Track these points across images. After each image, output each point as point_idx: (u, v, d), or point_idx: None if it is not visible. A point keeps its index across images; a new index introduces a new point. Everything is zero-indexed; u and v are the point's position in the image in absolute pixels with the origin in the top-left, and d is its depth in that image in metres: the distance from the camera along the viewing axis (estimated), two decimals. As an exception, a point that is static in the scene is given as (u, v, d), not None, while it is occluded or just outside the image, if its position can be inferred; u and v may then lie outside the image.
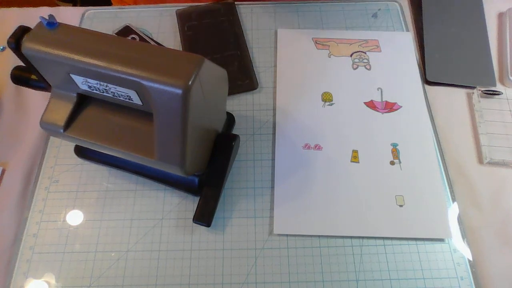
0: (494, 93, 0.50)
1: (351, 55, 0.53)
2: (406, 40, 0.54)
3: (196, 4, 0.58)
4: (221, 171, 0.42)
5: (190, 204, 0.45)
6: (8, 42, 0.32)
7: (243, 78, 0.52)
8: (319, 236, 0.42)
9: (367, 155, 0.46)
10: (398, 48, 0.54)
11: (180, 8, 0.58)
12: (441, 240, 0.42)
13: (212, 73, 0.34)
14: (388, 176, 0.45)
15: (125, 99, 0.34)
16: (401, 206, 0.43)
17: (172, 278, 0.41)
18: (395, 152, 0.46)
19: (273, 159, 0.47)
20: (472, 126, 0.49)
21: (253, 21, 0.58)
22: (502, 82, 0.52)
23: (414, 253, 0.41)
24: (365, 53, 0.53)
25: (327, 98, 0.50)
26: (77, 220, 0.44)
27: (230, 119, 0.48)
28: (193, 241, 0.43)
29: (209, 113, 0.38)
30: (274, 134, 0.48)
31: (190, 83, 0.30)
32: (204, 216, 0.41)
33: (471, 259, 0.41)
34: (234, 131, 0.48)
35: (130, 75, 0.31)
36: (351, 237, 0.42)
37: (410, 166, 0.45)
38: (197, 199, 0.43)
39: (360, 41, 0.54)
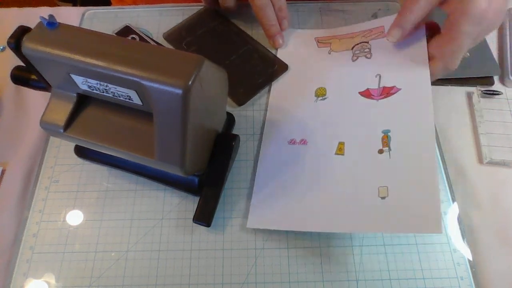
0: (494, 93, 0.50)
1: (352, 48, 0.51)
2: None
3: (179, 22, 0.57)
4: (221, 171, 0.42)
5: (190, 204, 0.45)
6: (8, 42, 0.32)
7: (271, 65, 0.53)
8: (294, 232, 0.42)
9: (354, 146, 0.44)
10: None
11: (167, 31, 0.57)
12: (431, 235, 0.41)
13: (212, 73, 0.34)
14: (373, 166, 0.42)
15: (125, 99, 0.34)
16: (383, 198, 0.39)
17: (172, 278, 0.41)
18: (386, 140, 0.43)
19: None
20: (472, 126, 0.49)
21: (246, 22, 0.57)
22: (502, 82, 0.52)
23: (414, 253, 0.41)
24: (368, 42, 0.51)
25: (320, 93, 0.49)
26: (77, 220, 0.44)
27: (230, 119, 0.48)
28: (193, 241, 0.43)
29: (209, 113, 0.38)
30: (261, 133, 0.48)
31: (190, 83, 0.30)
32: (204, 216, 0.41)
33: (471, 259, 0.41)
34: (234, 131, 0.48)
35: (130, 75, 0.31)
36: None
37: (401, 154, 0.41)
38: (197, 199, 0.43)
39: (364, 31, 0.52)
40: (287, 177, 0.44)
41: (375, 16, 0.57)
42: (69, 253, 0.42)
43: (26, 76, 0.39)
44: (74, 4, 1.39)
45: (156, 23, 0.58)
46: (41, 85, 0.38)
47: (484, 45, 0.53)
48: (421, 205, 0.38)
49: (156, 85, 0.30)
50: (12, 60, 0.54)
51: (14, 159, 0.48)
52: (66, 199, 0.45)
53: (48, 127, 0.38)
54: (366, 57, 0.49)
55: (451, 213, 0.43)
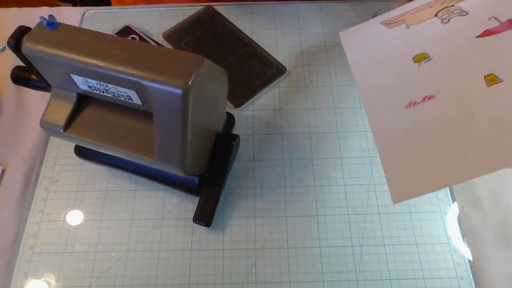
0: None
1: (435, 15, 0.44)
2: None
3: (179, 22, 0.57)
4: (221, 171, 0.42)
5: (190, 204, 0.45)
6: (8, 42, 0.32)
7: (269, 67, 0.53)
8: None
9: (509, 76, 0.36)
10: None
11: (167, 30, 0.57)
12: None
13: (212, 73, 0.34)
14: None
15: (125, 99, 0.34)
16: None
17: (172, 278, 0.41)
18: None
19: (278, 159, 0.47)
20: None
21: (246, 23, 0.57)
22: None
23: (414, 253, 0.41)
24: (453, 5, 0.43)
25: (421, 58, 0.41)
26: (77, 220, 0.44)
27: (230, 119, 0.48)
28: (193, 241, 0.43)
29: (209, 113, 0.38)
30: (360, 103, 0.43)
31: (190, 83, 0.30)
32: (204, 216, 0.41)
33: (471, 259, 0.41)
34: (234, 131, 0.48)
35: (130, 75, 0.31)
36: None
37: None
38: (197, 199, 0.43)
39: None
40: (417, 141, 0.37)
41: (375, 16, 0.57)
42: (69, 253, 0.42)
43: (26, 76, 0.39)
44: (74, 4, 1.39)
45: (156, 23, 0.58)
46: (41, 85, 0.38)
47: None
48: None
49: (156, 85, 0.30)
50: (12, 60, 0.54)
51: (14, 159, 0.48)
52: (66, 199, 0.45)
53: (48, 127, 0.38)
54: (461, 15, 0.42)
55: (451, 213, 0.43)
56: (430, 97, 0.39)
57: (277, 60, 0.53)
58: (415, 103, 0.39)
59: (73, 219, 0.44)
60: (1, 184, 0.47)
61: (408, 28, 0.45)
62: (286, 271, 0.41)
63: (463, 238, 0.42)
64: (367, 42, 0.47)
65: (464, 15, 0.42)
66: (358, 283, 0.40)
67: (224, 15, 0.58)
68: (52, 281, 0.41)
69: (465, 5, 0.44)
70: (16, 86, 0.51)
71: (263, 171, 0.46)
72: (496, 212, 0.43)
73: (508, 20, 0.40)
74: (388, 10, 0.58)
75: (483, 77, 0.37)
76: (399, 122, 0.39)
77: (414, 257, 0.41)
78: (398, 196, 0.35)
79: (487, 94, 0.37)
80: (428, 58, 0.41)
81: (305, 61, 0.54)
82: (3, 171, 0.47)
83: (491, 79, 0.37)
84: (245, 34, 0.56)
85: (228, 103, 0.50)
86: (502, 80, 0.37)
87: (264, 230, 0.43)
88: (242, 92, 0.51)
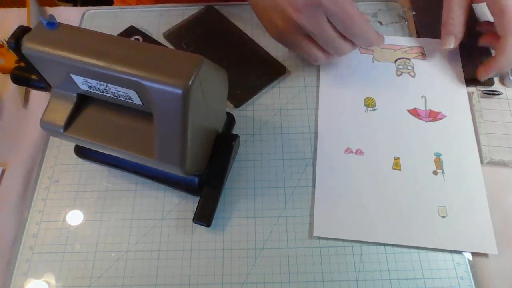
0: (494, 93, 0.50)
1: (395, 61, 0.52)
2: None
3: (179, 22, 0.57)
4: (221, 171, 0.42)
5: (190, 204, 0.45)
6: (8, 42, 0.32)
7: (269, 68, 0.53)
8: (356, 241, 0.42)
9: (410, 163, 0.45)
10: (444, 56, 0.53)
11: (168, 30, 0.57)
12: (486, 255, 0.41)
13: (212, 73, 0.34)
14: (431, 186, 0.44)
15: (125, 99, 0.34)
16: (443, 217, 0.42)
17: (172, 278, 0.41)
18: (439, 162, 0.45)
19: (278, 159, 0.47)
20: (473, 126, 0.49)
21: (246, 23, 0.57)
22: (502, 82, 0.52)
23: (414, 253, 0.41)
24: (410, 60, 0.52)
25: (370, 103, 0.49)
26: (77, 220, 0.44)
27: (230, 119, 0.48)
28: (193, 241, 0.43)
29: (209, 113, 0.38)
30: (315, 138, 0.48)
31: (190, 83, 0.30)
32: (204, 216, 0.41)
33: (471, 259, 0.41)
34: (234, 131, 0.48)
35: (130, 75, 0.31)
36: (392, 245, 0.41)
37: (453, 178, 0.44)
38: (197, 199, 0.43)
39: (405, 47, 0.53)
40: (347, 186, 0.44)
41: (375, 16, 0.57)
42: (69, 253, 0.42)
43: (26, 76, 0.39)
44: (74, 4, 1.39)
45: (157, 23, 0.58)
46: (41, 85, 0.38)
47: (483, 46, 0.53)
48: (476, 226, 0.42)
49: (156, 85, 0.30)
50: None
51: (14, 159, 0.48)
52: (66, 199, 0.45)
53: (48, 127, 0.38)
54: (410, 75, 0.51)
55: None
56: (360, 152, 0.46)
57: (277, 60, 0.53)
58: (350, 151, 0.46)
59: (73, 219, 0.44)
60: (1, 184, 0.47)
61: (374, 62, 0.53)
62: (286, 271, 0.41)
63: (463, 238, 0.42)
64: (339, 59, 0.53)
65: (412, 76, 0.51)
66: (358, 283, 0.40)
67: (225, 15, 0.58)
68: (52, 281, 0.41)
69: (417, 65, 0.52)
70: (16, 86, 0.51)
71: (263, 171, 0.46)
72: (496, 212, 0.43)
73: (429, 110, 0.49)
74: (388, 10, 0.58)
75: (393, 158, 0.46)
76: (337, 163, 0.46)
77: (414, 257, 0.41)
78: (318, 232, 0.42)
79: (391, 176, 0.45)
80: (374, 108, 0.49)
81: (305, 61, 0.54)
82: (3, 171, 0.47)
83: (396, 164, 0.45)
84: (245, 34, 0.56)
85: (228, 103, 0.50)
86: (400, 169, 0.45)
87: (264, 230, 0.43)
88: (242, 92, 0.51)
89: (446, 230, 0.42)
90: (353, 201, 0.44)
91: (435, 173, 0.45)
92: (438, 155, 0.45)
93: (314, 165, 0.46)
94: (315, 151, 0.47)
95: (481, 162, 0.46)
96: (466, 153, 0.46)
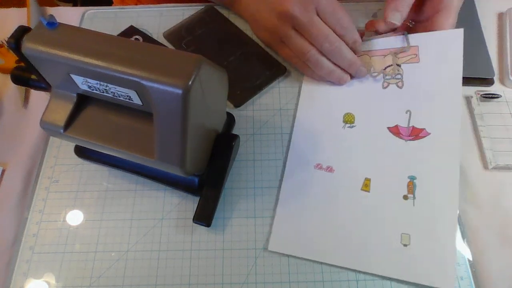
0: (493, 96, 0.49)
1: (384, 69, 0.49)
2: (454, 41, 0.47)
3: (180, 22, 0.57)
4: (221, 171, 0.42)
5: (190, 204, 0.45)
6: (8, 42, 0.32)
7: (269, 68, 0.53)
8: (312, 261, 0.41)
9: (380, 186, 0.43)
10: (442, 55, 0.48)
11: (168, 30, 0.57)
12: None
13: (212, 73, 0.34)
14: (398, 211, 0.42)
15: (125, 99, 0.34)
16: (405, 245, 0.40)
17: (172, 278, 0.41)
18: (411, 186, 0.43)
19: (278, 159, 0.47)
20: (473, 130, 0.48)
21: (246, 23, 0.57)
22: (502, 82, 0.52)
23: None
24: (400, 66, 0.49)
25: (348, 119, 0.47)
26: (77, 220, 0.44)
27: (230, 119, 0.48)
28: (193, 241, 0.43)
29: (209, 113, 0.38)
30: (286, 151, 0.47)
31: (190, 83, 0.30)
32: (204, 216, 0.41)
33: (471, 259, 0.41)
34: (234, 131, 0.48)
35: (130, 75, 0.31)
36: (346, 269, 0.40)
37: (424, 204, 0.42)
38: (197, 199, 0.43)
39: (396, 49, 0.49)
40: (310, 203, 0.43)
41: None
42: (69, 253, 0.42)
43: (26, 76, 0.39)
44: (74, 4, 1.39)
45: (157, 23, 0.58)
46: (41, 85, 0.38)
47: (482, 46, 0.52)
48: (438, 260, 0.39)
49: (156, 85, 0.30)
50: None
51: (14, 159, 0.48)
52: (66, 199, 0.45)
53: (48, 127, 0.38)
54: (398, 86, 0.48)
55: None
56: (331, 169, 0.45)
57: (277, 60, 0.53)
58: (320, 167, 0.45)
59: (73, 219, 0.44)
60: (1, 184, 0.47)
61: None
62: (286, 271, 0.41)
63: (463, 238, 0.42)
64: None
65: (399, 87, 0.48)
66: (358, 283, 0.40)
67: (225, 15, 0.58)
68: (52, 281, 0.41)
69: (408, 72, 0.49)
70: (16, 86, 0.51)
71: (263, 171, 0.46)
72: (496, 212, 0.43)
73: (412, 127, 0.46)
74: (388, 10, 0.57)
75: (363, 178, 0.44)
76: (305, 178, 0.45)
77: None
78: (274, 246, 0.41)
79: (358, 197, 0.43)
80: (352, 125, 0.47)
81: (305, 61, 0.54)
82: (3, 171, 0.47)
83: (366, 185, 0.44)
84: (245, 34, 0.56)
85: (228, 103, 0.50)
86: (369, 191, 0.43)
87: (264, 230, 0.43)
88: (242, 92, 0.51)
89: (406, 260, 0.40)
90: (315, 219, 0.42)
91: (405, 197, 0.42)
92: (412, 178, 0.43)
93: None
94: (283, 167, 0.46)
95: (485, 167, 0.46)
96: (445, 176, 0.43)
